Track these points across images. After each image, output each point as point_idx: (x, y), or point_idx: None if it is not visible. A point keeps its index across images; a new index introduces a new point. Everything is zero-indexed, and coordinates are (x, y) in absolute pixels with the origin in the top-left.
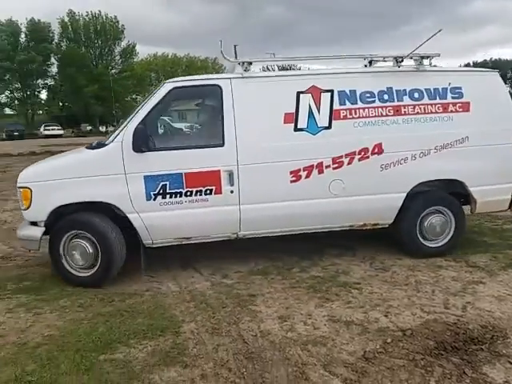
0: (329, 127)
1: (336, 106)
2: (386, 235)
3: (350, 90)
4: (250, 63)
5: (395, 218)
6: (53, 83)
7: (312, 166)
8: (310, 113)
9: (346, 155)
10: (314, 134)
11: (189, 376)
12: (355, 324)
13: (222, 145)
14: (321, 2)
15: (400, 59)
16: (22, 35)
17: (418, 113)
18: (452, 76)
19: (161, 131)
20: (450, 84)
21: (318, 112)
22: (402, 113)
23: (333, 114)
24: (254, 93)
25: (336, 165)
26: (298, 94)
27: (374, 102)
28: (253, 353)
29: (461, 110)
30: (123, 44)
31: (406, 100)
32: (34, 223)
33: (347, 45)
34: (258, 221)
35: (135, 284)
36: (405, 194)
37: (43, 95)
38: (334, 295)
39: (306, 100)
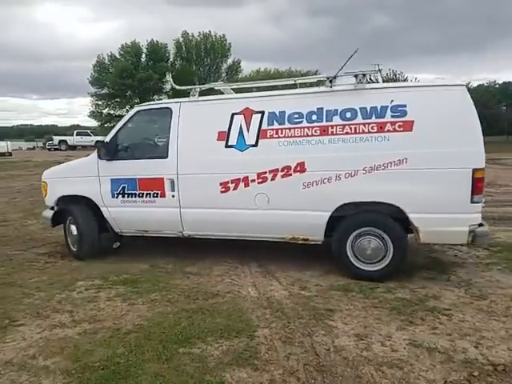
0: (255, 145)
1: (264, 126)
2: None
3: (279, 112)
4: (192, 90)
5: (328, 236)
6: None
7: (239, 179)
8: (240, 131)
9: (270, 171)
10: (242, 151)
11: (258, 379)
12: (439, 351)
13: (166, 157)
14: (433, 10)
15: (332, 79)
16: (143, 55)
17: (347, 133)
18: (396, 93)
19: (126, 144)
20: (392, 101)
21: (248, 131)
22: (329, 133)
23: (260, 133)
24: (197, 114)
25: (260, 180)
26: (233, 114)
27: (301, 122)
28: (324, 366)
29: (401, 129)
30: (229, 61)
31: (336, 120)
32: (52, 208)
33: (463, 52)
34: (196, 223)
35: (219, 285)
36: (329, 214)
37: None
38: (418, 319)
39: (239, 120)
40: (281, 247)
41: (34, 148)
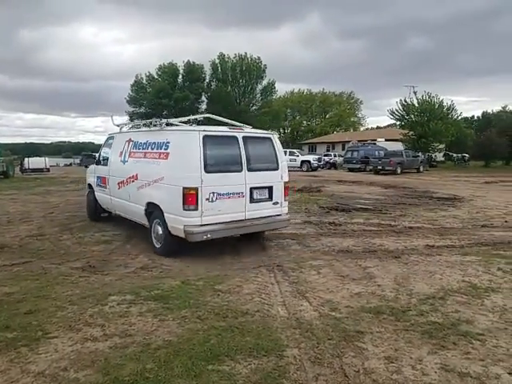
0: (127, 161)
1: (131, 150)
2: None
3: (137, 141)
4: (119, 125)
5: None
6: (201, 119)
7: (122, 181)
8: (125, 152)
9: (129, 178)
10: (124, 164)
11: None
12: (471, 377)
13: (107, 165)
14: (472, 32)
15: (149, 123)
16: (180, 76)
17: (151, 157)
18: (169, 134)
19: (101, 156)
20: (167, 139)
21: (127, 152)
22: (146, 157)
23: (129, 154)
24: (118, 140)
25: (127, 183)
26: (125, 141)
27: (140, 148)
28: None
29: (165, 157)
30: (264, 82)
31: (149, 149)
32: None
33: (504, 75)
34: (115, 207)
35: (249, 304)
36: (144, 207)
37: None
38: (451, 343)
39: (127, 145)
40: (312, 268)
41: (70, 164)
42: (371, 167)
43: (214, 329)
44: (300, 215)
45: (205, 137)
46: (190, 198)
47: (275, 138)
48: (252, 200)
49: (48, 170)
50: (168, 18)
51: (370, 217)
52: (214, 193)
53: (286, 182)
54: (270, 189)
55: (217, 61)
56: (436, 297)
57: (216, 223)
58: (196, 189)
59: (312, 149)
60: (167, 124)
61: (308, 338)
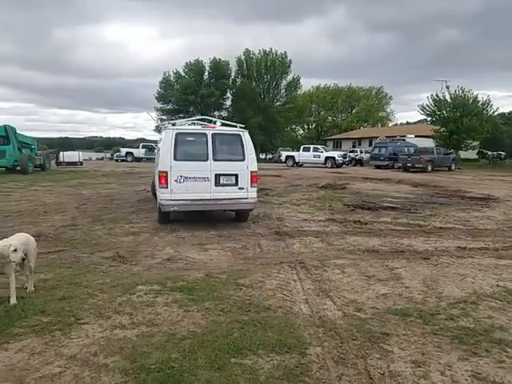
0: (157, 153)
1: (158, 145)
2: None
3: (159, 138)
4: (159, 126)
5: None
6: (226, 115)
7: (155, 168)
8: (157, 146)
9: (156, 165)
10: (156, 155)
11: None
12: None
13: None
14: (501, 24)
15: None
16: (206, 73)
17: (158, 150)
18: (163, 132)
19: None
20: (161, 136)
21: (158, 146)
22: (158, 149)
23: (158, 148)
24: (159, 139)
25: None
26: (159, 139)
27: (159, 143)
28: None
29: (159, 150)
30: (289, 78)
31: (158, 144)
32: None
33: None
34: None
35: (271, 299)
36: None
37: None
38: (483, 351)
39: (159, 141)
40: (336, 267)
41: (102, 158)
42: (400, 164)
43: (237, 322)
44: (323, 212)
45: (177, 134)
46: (162, 179)
47: (245, 134)
48: (217, 184)
49: (81, 163)
50: (191, 13)
51: (398, 216)
52: (181, 176)
53: (252, 171)
54: (236, 176)
55: (242, 57)
56: (467, 301)
57: (183, 199)
58: (166, 172)
59: (337, 145)
60: (173, 125)
61: (331, 337)
